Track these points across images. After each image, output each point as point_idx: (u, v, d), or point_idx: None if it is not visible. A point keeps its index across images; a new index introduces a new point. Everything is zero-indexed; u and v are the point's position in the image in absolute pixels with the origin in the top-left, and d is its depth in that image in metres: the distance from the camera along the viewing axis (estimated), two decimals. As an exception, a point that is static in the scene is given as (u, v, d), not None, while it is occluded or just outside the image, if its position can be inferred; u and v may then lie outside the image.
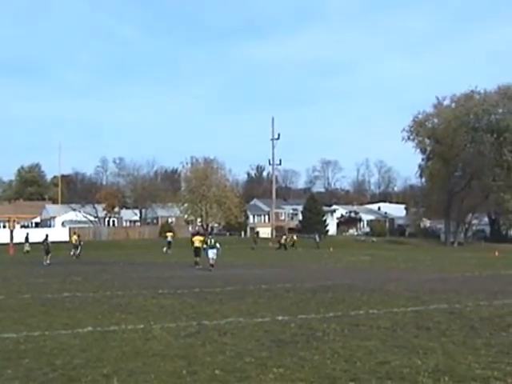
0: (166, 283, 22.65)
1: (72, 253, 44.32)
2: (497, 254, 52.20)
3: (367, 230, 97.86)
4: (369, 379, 7.97)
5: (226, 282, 23.27)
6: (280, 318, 13.57)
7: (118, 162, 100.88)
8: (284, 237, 62.87)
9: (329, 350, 9.90)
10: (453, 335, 11.38)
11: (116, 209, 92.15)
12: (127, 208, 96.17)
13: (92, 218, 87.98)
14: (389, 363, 8.88)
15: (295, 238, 66.49)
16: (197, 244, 32.83)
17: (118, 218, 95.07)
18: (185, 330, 11.94)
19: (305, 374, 8.22)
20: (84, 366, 8.87)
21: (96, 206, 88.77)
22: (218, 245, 32.21)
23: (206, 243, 32.81)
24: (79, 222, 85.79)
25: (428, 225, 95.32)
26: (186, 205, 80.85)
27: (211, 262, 30.24)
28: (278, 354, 9.57)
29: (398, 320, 13.23)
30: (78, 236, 46.93)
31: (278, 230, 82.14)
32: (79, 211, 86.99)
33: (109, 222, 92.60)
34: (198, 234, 38.20)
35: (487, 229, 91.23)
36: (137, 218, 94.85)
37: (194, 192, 78.90)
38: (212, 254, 30.78)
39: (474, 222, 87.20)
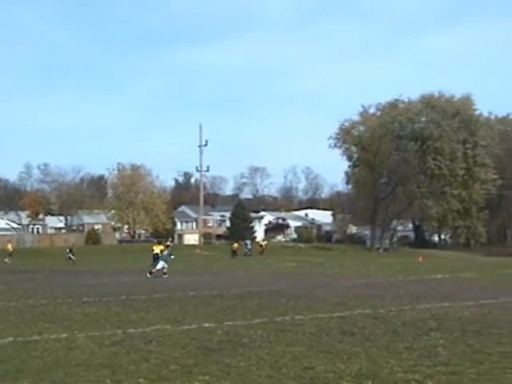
0: (91, 291, 22.23)
1: (6, 260, 43.75)
2: (421, 259, 53.60)
3: (295, 236, 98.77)
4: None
5: (152, 289, 23.03)
6: (206, 324, 13.52)
7: (42, 167, 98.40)
8: (236, 244, 61.76)
9: (255, 356, 9.92)
10: (376, 340, 11.55)
11: (40, 216, 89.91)
12: (52, 215, 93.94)
13: (15, 226, 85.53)
14: (313, 368, 8.96)
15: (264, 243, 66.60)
16: (156, 251, 33.23)
17: (42, 225, 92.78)
18: (109, 339, 11.73)
19: (230, 381, 8.21)
20: (3, 377, 8.59)
21: (20, 212, 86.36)
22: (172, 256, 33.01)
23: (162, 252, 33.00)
24: (1, 229, 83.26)
25: (354, 231, 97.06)
26: (112, 211, 79.74)
27: (164, 270, 30.41)
28: (203, 362, 9.52)
29: (324, 325, 13.37)
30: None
31: (206, 236, 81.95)
32: (1, 218, 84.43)
33: (33, 229, 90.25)
34: (159, 242, 39.06)
35: (412, 235, 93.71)
36: (62, 224, 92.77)
37: (121, 199, 77.98)
38: (162, 263, 30.96)
39: (399, 228, 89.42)
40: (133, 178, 78.44)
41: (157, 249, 33.46)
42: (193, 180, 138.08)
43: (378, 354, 10.08)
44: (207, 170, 79.80)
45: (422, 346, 10.82)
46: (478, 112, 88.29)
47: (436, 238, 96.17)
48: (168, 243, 45.70)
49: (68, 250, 48.74)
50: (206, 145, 76.79)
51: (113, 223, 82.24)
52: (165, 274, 30.13)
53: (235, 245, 61.10)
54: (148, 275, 30.08)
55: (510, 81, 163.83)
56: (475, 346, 10.83)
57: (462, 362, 9.39)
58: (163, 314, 15.39)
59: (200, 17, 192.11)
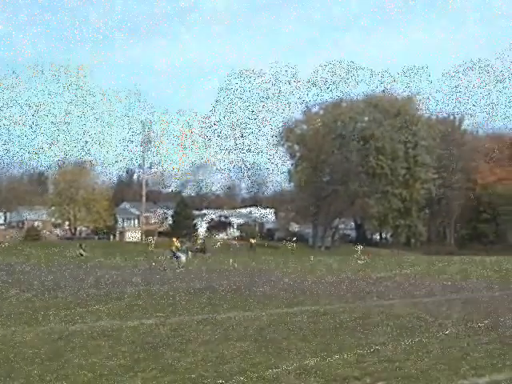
0: (39, 285, 21.92)
1: None
2: (368, 256, 54.72)
3: (237, 233, 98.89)
4: (238, 381, 8.11)
5: (101, 283, 22.83)
6: (153, 320, 13.53)
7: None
8: (200, 241, 62.86)
9: (201, 352, 9.99)
10: (322, 335, 11.72)
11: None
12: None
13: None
14: (260, 364, 9.06)
15: (253, 241, 67.72)
16: (175, 245, 36.71)
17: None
18: (56, 334, 11.65)
19: (175, 377, 8.27)
20: None
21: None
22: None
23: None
24: None
25: (297, 229, 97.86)
26: (53, 208, 78.35)
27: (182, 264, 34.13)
28: (149, 357, 9.55)
29: (270, 321, 13.51)
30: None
31: (148, 233, 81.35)
32: None
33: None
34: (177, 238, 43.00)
35: (353, 233, 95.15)
36: (1, 221, 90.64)
37: (62, 195, 76.64)
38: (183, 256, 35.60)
39: (341, 226, 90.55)
40: (74, 174, 77.30)
41: (175, 244, 36.87)
42: (135, 177, 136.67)
43: (322, 349, 10.24)
44: (150, 167, 79.37)
45: (367, 342, 10.99)
46: (419, 113, 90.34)
47: (377, 237, 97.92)
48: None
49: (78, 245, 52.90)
50: (150, 142, 76.40)
51: (53, 220, 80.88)
52: (182, 267, 33.29)
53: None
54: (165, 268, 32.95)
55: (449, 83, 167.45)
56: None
57: (406, 358, 9.55)
58: (111, 309, 15.31)
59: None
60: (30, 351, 9.99)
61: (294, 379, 8.20)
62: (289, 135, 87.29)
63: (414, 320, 13.93)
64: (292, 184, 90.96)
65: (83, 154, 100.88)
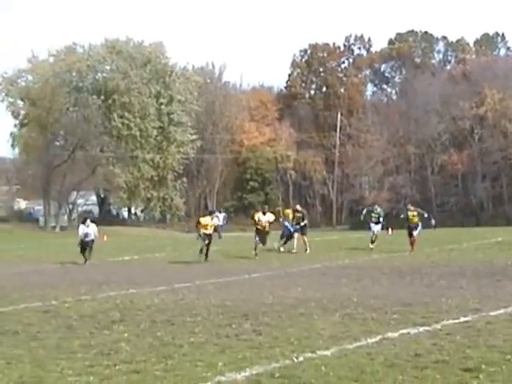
0: None
1: None
2: (105, 238, 54.33)
3: None
4: None
5: None
6: None
7: None
8: None
9: None
10: (45, 338, 11.57)
11: None
12: None
13: None
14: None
15: None
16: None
17: None
18: None
19: None
20: None
21: None
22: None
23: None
24: None
25: (24, 206, 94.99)
26: None
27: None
28: None
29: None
30: None
31: None
32: None
33: None
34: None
35: (96, 209, 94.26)
36: None
37: None
38: None
39: (80, 201, 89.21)
40: None
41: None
42: None
43: (46, 356, 10.10)
44: None
45: (102, 342, 11.06)
46: (172, 62, 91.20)
47: (125, 213, 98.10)
48: None
49: None
50: None
51: None
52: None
53: None
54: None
55: (204, 27, 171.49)
56: (164, 338, 11.32)
57: (148, 358, 9.76)
58: None
59: None
60: None
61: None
62: (10, 88, 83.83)
63: (162, 313, 14.11)
64: (16, 150, 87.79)
65: None
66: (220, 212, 41.42)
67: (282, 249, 31.94)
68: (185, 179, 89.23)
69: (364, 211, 33.36)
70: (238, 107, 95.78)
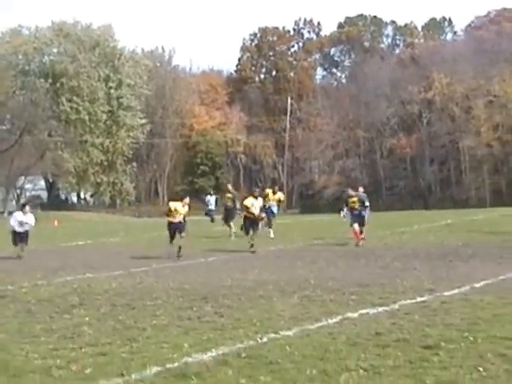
0: None
1: None
2: (56, 223, 53.97)
3: None
4: None
5: None
6: None
7: None
8: None
9: None
10: (6, 323, 11.53)
11: None
12: None
13: None
14: None
15: None
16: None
17: None
18: None
19: None
20: None
21: None
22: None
23: None
24: None
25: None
26: None
27: None
28: None
29: None
30: None
31: None
32: None
33: None
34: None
35: (44, 194, 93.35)
36: None
37: None
38: None
39: (28, 186, 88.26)
40: None
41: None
42: None
43: (9, 340, 10.08)
44: None
45: (63, 326, 11.06)
46: (121, 45, 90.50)
47: (75, 198, 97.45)
48: None
49: None
50: None
51: None
52: None
53: None
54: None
55: (153, 10, 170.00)
56: (127, 322, 11.36)
57: (113, 341, 9.82)
58: None
59: None
60: None
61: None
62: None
63: (121, 296, 14.19)
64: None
65: None
66: (211, 195, 40.02)
67: (272, 235, 29.67)
68: (135, 164, 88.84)
69: (345, 209, 26.37)
70: (188, 91, 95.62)
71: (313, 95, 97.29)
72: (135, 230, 43.07)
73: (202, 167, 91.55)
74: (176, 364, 8.33)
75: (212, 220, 37.71)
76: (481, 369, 7.58)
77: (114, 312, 12.41)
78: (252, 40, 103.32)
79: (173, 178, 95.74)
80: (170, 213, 23.32)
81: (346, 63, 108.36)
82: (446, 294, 13.04)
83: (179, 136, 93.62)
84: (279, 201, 32.50)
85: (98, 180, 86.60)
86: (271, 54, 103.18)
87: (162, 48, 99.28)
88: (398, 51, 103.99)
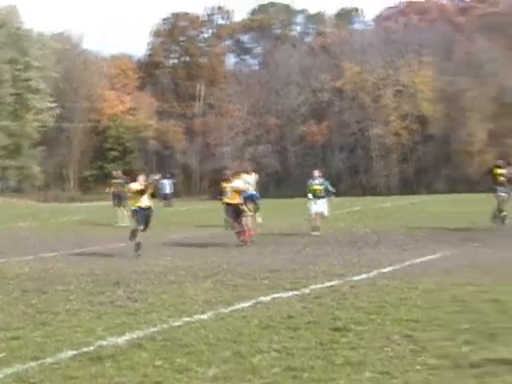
0: None
1: None
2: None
3: None
4: None
5: None
6: None
7: None
8: None
9: None
10: None
11: None
12: None
13: None
14: None
15: None
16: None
17: None
18: None
19: None
20: None
21: None
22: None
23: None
24: None
25: None
26: None
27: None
28: None
29: None
30: None
31: None
32: None
33: None
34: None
35: None
36: None
37: None
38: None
39: None
40: None
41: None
42: None
43: None
44: None
45: None
46: (28, 27, 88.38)
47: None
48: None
49: None
50: None
51: None
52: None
53: None
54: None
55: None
56: (39, 306, 11.35)
57: (25, 325, 9.83)
58: None
59: None
60: None
61: None
62: None
63: (33, 281, 14.10)
64: None
65: None
66: (169, 178, 38.94)
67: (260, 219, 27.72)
68: (43, 148, 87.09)
69: (310, 195, 24.75)
70: (99, 75, 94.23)
71: (224, 81, 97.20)
72: (43, 215, 42.36)
73: (113, 152, 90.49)
74: (91, 347, 8.39)
75: (167, 205, 37.29)
76: (388, 349, 7.90)
77: (25, 297, 12.36)
78: (164, 25, 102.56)
79: (82, 163, 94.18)
80: (134, 196, 19.85)
81: (258, 50, 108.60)
82: (355, 278, 13.43)
83: (89, 120, 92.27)
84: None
85: (5, 164, 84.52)
86: (183, 39, 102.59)
87: (71, 31, 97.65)
88: (308, 39, 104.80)
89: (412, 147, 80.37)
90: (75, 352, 8.18)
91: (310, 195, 24.63)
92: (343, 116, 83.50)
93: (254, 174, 27.08)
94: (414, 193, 63.97)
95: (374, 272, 14.16)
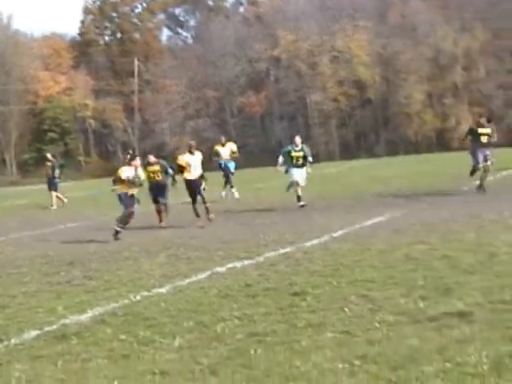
0: None
1: None
2: None
3: None
4: None
5: None
6: None
7: None
8: None
9: None
10: None
11: None
12: None
13: None
14: None
15: None
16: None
17: None
18: None
19: None
20: None
21: None
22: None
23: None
24: None
25: None
26: None
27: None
28: None
29: None
30: None
31: None
32: None
33: None
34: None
35: None
36: None
37: None
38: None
39: None
40: None
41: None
42: None
43: None
44: None
45: None
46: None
47: None
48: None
49: None
50: None
51: None
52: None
53: None
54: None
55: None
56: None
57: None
58: None
59: None
60: None
61: None
62: None
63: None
64: None
65: None
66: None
67: (236, 194, 27.33)
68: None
69: (280, 158, 22.71)
70: (31, 56, 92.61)
71: (160, 56, 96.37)
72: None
73: (51, 134, 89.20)
74: (54, 326, 8.49)
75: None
76: (346, 309, 8.13)
77: (-20, 283, 12.31)
78: (94, 2, 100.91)
79: (20, 146, 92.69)
80: (121, 182, 18.09)
81: (192, 23, 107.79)
82: (307, 244, 13.62)
83: (24, 103, 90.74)
84: (233, 153, 28.94)
85: None
86: (115, 15, 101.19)
87: (0, 13, 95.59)
88: (242, 10, 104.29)
89: (350, 112, 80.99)
90: (39, 332, 8.27)
91: (282, 165, 22.57)
92: (281, 85, 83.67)
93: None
94: (354, 157, 64.58)
95: (326, 237, 14.34)
